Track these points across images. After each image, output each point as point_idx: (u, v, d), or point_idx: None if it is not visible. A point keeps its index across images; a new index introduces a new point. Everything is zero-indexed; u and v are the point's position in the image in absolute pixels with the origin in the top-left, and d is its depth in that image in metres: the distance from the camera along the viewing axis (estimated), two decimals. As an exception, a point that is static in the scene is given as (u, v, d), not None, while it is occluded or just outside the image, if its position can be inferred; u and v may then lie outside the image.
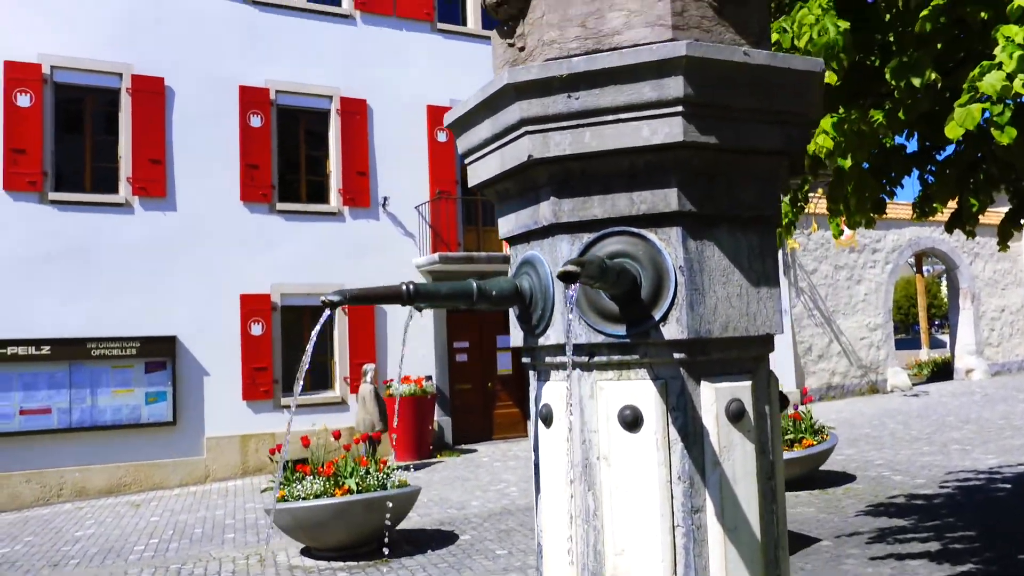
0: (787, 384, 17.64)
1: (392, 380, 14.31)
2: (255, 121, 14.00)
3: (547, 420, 1.82)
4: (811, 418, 10.03)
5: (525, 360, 1.96)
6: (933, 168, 5.34)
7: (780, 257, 18.11)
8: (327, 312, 1.57)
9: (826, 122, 4.45)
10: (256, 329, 13.63)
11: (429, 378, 14.70)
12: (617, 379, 1.71)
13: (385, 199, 15.09)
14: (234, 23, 13.94)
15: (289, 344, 13.90)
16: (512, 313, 1.94)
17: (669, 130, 1.63)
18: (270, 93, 14.15)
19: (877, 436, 13.67)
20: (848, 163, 4.73)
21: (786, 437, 9.54)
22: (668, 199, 1.66)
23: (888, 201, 5.34)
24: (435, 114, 15.30)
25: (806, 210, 6.00)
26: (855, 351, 20.23)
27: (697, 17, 1.74)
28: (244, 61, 13.96)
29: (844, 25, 4.04)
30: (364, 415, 12.94)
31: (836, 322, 20.00)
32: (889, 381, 20.66)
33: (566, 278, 1.43)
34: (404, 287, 1.60)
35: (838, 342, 19.95)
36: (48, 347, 12.10)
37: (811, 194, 6.29)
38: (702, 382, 1.69)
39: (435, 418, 14.79)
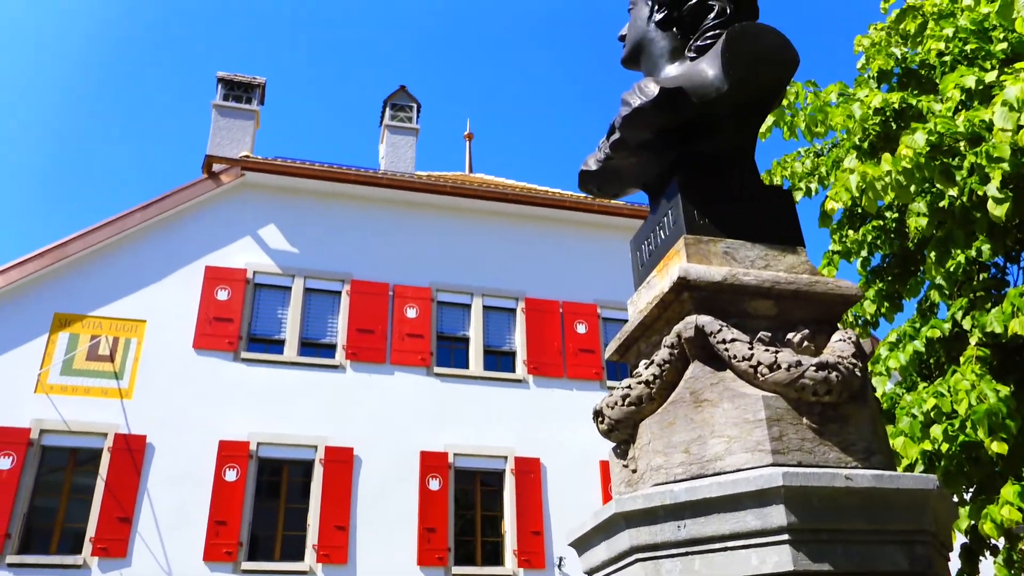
0: None
1: None
2: (433, 484, 14.57)
3: None
4: None
5: None
6: None
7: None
8: None
9: (1009, 491, 4.12)
10: None
11: None
12: None
13: (561, 559, 14.73)
14: (419, 395, 15.18)
15: None
16: None
17: (778, 559, 1.62)
18: (448, 457, 14.85)
19: None
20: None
21: None
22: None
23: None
24: (608, 471, 15.37)
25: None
26: None
27: (797, 440, 1.81)
28: (425, 429, 14.94)
29: (1004, 390, 3.92)
30: None
31: None
32: None
33: None
34: None
35: None
36: None
37: None
38: None
39: None
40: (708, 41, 2.68)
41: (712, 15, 2.73)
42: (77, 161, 44.79)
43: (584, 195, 17.68)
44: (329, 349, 15.00)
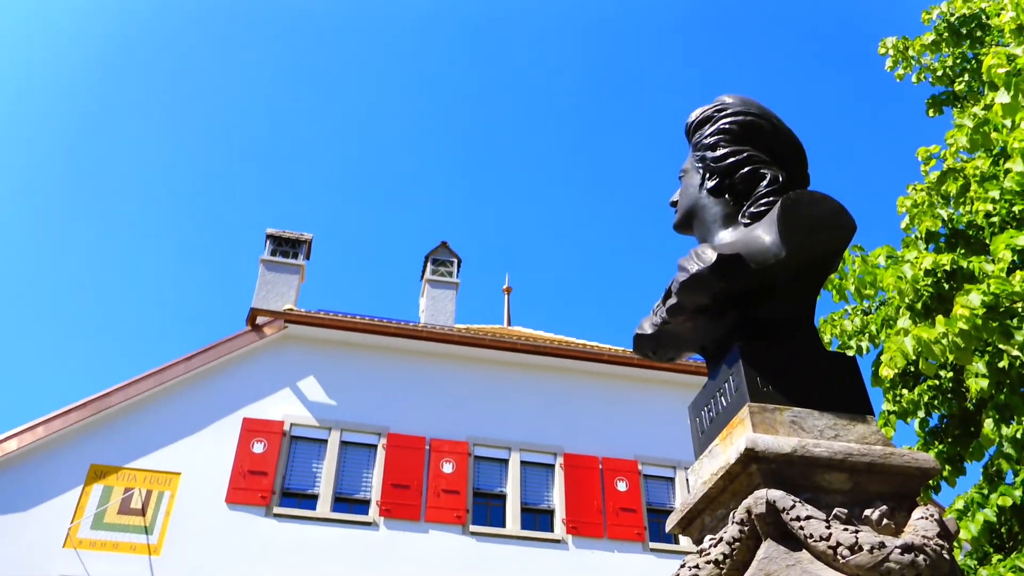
0: None
1: None
2: (468, 653, 13.76)
3: None
4: None
5: None
6: None
7: None
8: None
9: None
10: None
11: None
12: None
13: None
14: (453, 556, 14.60)
15: None
16: None
17: None
18: (484, 622, 14.11)
19: None
20: None
21: None
22: None
23: None
24: (651, 639, 14.43)
25: None
26: None
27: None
28: (460, 591, 14.28)
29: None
30: None
31: None
32: None
33: None
34: None
35: None
36: None
37: None
38: None
39: None
40: (762, 208, 2.70)
41: (765, 183, 2.76)
42: (121, 311, 46.15)
43: (622, 348, 17.65)
44: (363, 505, 14.65)
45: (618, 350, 17.45)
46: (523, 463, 15.79)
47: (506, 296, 22.78)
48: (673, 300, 2.61)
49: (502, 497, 15.36)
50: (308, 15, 43.98)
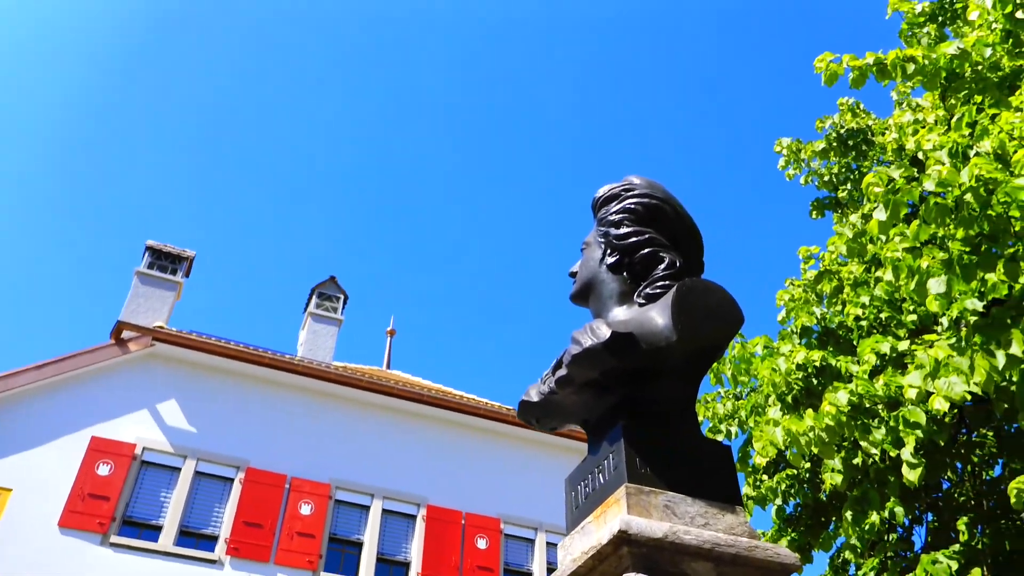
0: None
1: None
2: None
3: None
4: None
5: None
6: None
7: None
8: None
9: None
10: None
11: None
12: None
13: None
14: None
15: None
16: None
17: None
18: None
19: None
20: None
21: None
22: None
23: None
24: None
25: None
26: None
27: None
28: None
29: None
30: None
31: None
32: None
33: None
34: None
35: None
36: None
37: None
38: None
39: None
40: (658, 290, 2.75)
41: (663, 266, 2.82)
42: (-25, 308, 42.89)
43: (498, 404, 17.64)
44: (210, 541, 13.89)
45: (494, 405, 17.43)
46: (385, 511, 15.41)
47: (389, 338, 22.49)
48: (563, 371, 2.60)
49: (359, 545, 14.91)
50: (202, 21, 43.06)
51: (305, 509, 14.58)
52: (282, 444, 15.09)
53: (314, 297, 18.50)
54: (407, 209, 49.25)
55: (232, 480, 14.49)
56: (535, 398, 2.79)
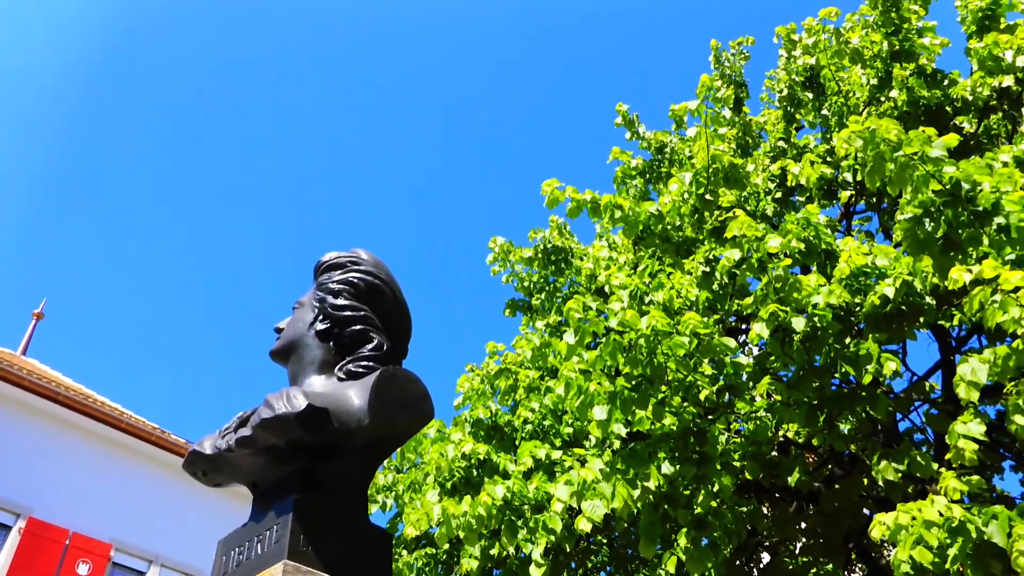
0: None
1: None
2: None
3: None
4: None
5: None
6: None
7: None
8: None
9: None
10: None
11: None
12: None
13: None
14: None
15: None
16: None
17: None
18: None
19: None
20: None
21: None
22: None
23: None
24: None
25: None
26: None
27: None
28: None
29: None
30: None
31: None
32: None
33: None
34: None
35: None
36: None
37: None
38: None
39: None
40: (360, 369, 2.79)
41: (370, 346, 2.87)
42: None
43: (146, 420, 16.25)
44: None
45: (140, 420, 16.02)
46: (-27, 517, 13.36)
47: (34, 320, 19.91)
48: (247, 431, 2.53)
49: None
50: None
51: None
52: None
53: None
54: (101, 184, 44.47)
55: None
56: (208, 451, 2.67)
